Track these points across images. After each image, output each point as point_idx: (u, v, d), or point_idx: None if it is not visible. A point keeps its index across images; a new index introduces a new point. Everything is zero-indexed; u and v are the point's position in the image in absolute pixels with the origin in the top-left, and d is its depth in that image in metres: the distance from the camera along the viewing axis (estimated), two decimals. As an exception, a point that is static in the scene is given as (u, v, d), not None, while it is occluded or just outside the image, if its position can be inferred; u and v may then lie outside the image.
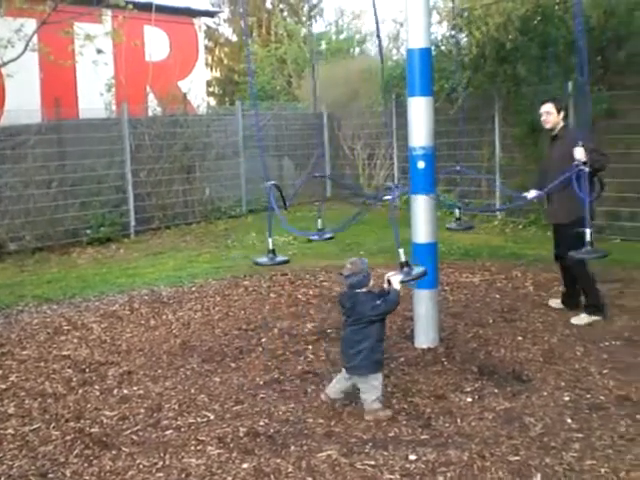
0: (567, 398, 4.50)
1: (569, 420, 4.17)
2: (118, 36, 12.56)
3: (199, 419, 4.47)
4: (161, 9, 15.77)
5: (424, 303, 5.58)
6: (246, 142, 14.36)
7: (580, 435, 3.97)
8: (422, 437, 4.04)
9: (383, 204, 5.49)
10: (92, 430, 4.38)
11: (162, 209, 12.93)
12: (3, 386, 5.25)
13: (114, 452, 4.06)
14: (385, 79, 13.49)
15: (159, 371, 5.42)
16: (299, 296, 7.54)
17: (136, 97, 14.32)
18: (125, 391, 5.03)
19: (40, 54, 12.36)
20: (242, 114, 14.51)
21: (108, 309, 7.38)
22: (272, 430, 4.22)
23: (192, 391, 4.96)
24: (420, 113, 5.41)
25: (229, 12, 27.53)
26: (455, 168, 6.99)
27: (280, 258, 5.29)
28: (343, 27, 25.10)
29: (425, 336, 5.63)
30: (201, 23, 18.87)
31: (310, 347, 5.78)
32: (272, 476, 3.68)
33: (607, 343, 5.54)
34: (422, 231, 5.49)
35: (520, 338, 5.75)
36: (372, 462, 3.75)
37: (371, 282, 4.42)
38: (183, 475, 3.75)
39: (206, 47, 24.11)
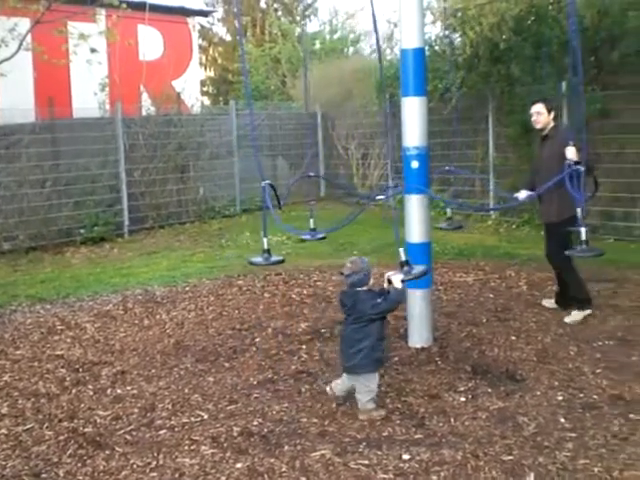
0: (560, 397, 4.52)
1: (562, 419, 4.18)
2: (112, 35, 12.55)
3: (193, 419, 4.47)
4: (155, 8, 15.78)
5: (418, 303, 5.59)
6: (240, 142, 14.35)
7: (573, 434, 3.98)
8: (416, 437, 4.05)
9: (376, 204, 5.49)
10: (85, 430, 4.38)
11: (156, 209, 12.90)
12: (-4, 386, 5.24)
13: (108, 452, 4.06)
14: (379, 79, 13.48)
15: (153, 371, 5.41)
16: (293, 296, 7.54)
17: (130, 96, 14.31)
18: (119, 391, 5.02)
19: (34, 53, 12.33)
20: (236, 114, 14.50)
21: (102, 309, 7.37)
22: (266, 430, 4.22)
23: (186, 391, 4.95)
24: (414, 113, 5.42)
25: (223, 11, 27.52)
26: (445, 168, 6.99)
27: (275, 258, 5.27)
28: (337, 27, 25.10)
29: (419, 335, 5.64)
30: (195, 22, 18.88)
31: (304, 347, 5.78)
32: (266, 476, 3.67)
33: (600, 343, 5.56)
34: (416, 231, 5.50)
35: (514, 338, 5.76)
36: (366, 461, 3.75)
37: (371, 281, 4.43)
38: (177, 475, 3.75)
39: (200, 46, 24.13)
